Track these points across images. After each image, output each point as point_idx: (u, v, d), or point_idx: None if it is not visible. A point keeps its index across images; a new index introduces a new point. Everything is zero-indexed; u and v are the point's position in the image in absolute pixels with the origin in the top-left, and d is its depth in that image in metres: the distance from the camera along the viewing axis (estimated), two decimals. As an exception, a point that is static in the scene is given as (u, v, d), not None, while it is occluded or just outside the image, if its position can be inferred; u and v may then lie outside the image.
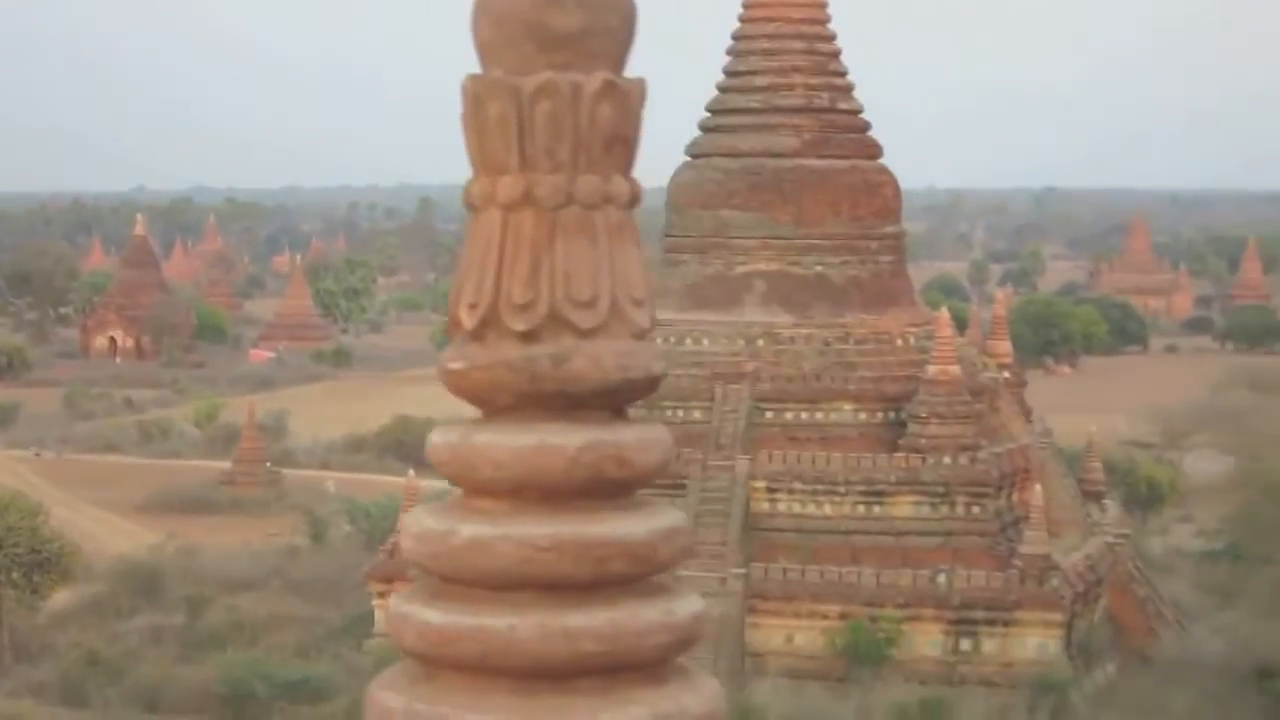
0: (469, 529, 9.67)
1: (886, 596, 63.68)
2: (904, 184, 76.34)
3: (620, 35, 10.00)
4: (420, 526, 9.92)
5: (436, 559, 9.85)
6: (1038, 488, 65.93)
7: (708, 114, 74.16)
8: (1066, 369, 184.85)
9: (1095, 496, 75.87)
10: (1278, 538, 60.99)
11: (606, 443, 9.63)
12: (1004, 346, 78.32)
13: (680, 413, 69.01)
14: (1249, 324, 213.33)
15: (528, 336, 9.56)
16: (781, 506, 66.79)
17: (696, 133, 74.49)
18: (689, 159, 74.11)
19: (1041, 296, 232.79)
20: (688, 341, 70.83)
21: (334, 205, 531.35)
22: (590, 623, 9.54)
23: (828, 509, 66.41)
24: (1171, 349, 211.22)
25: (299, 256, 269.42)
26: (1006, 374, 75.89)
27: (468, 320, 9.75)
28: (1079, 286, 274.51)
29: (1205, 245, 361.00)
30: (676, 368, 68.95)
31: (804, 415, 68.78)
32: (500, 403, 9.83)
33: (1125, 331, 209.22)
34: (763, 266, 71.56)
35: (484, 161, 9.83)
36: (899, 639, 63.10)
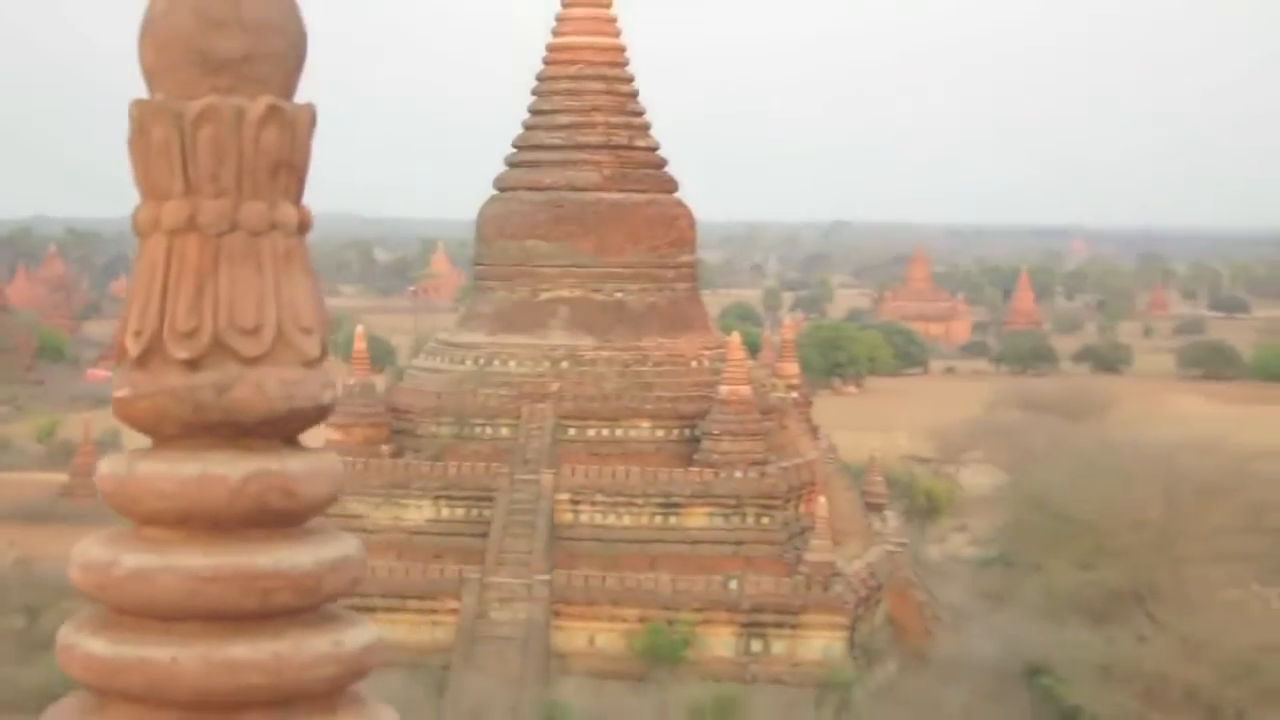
0: (132, 559, 9.17)
1: (682, 601, 63.47)
2: (703, 216, 76.40)
3: (287, 60, 9.45)
4: (85, 556, 9.41)
5: (102, 589, 9.34)
6: (822, 500, 66.10)
7: (514, 149, 73.98)
8: (853, 389, 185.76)
9: (877, 508, 76.23)
10: (1043, 546, 61.18)
11: (272, 472, 9.23)
12: (792, 368, 78.43)
13: (489, 430, 69.01)
14: (1021, 348, 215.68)
15: (191, 364, 9.11)
16: (584, 517, 66.41)
17: (503, 167, 73.73)
18: (496, 192, 73.87)
19: (830, 322, 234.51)
20: (495, 363, 70.30)
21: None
22: (255, 654, 9.10)
23: (627, 520, 66.17)
24: (950, 371, 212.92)
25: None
26: (794, 394, 76.06)
27: (133, 347, 9.23)
28: (864, 313, 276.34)
29: (981, 275, 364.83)
30: (485, 387, 69.44)
31: (605, 432, 68.56)
32: (167, 431, 9.34)
33: (907, 355, 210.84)
34: (566, 293, 71.34)
35: (149, 187, 9.31)
36: (694, 640, 62.91)
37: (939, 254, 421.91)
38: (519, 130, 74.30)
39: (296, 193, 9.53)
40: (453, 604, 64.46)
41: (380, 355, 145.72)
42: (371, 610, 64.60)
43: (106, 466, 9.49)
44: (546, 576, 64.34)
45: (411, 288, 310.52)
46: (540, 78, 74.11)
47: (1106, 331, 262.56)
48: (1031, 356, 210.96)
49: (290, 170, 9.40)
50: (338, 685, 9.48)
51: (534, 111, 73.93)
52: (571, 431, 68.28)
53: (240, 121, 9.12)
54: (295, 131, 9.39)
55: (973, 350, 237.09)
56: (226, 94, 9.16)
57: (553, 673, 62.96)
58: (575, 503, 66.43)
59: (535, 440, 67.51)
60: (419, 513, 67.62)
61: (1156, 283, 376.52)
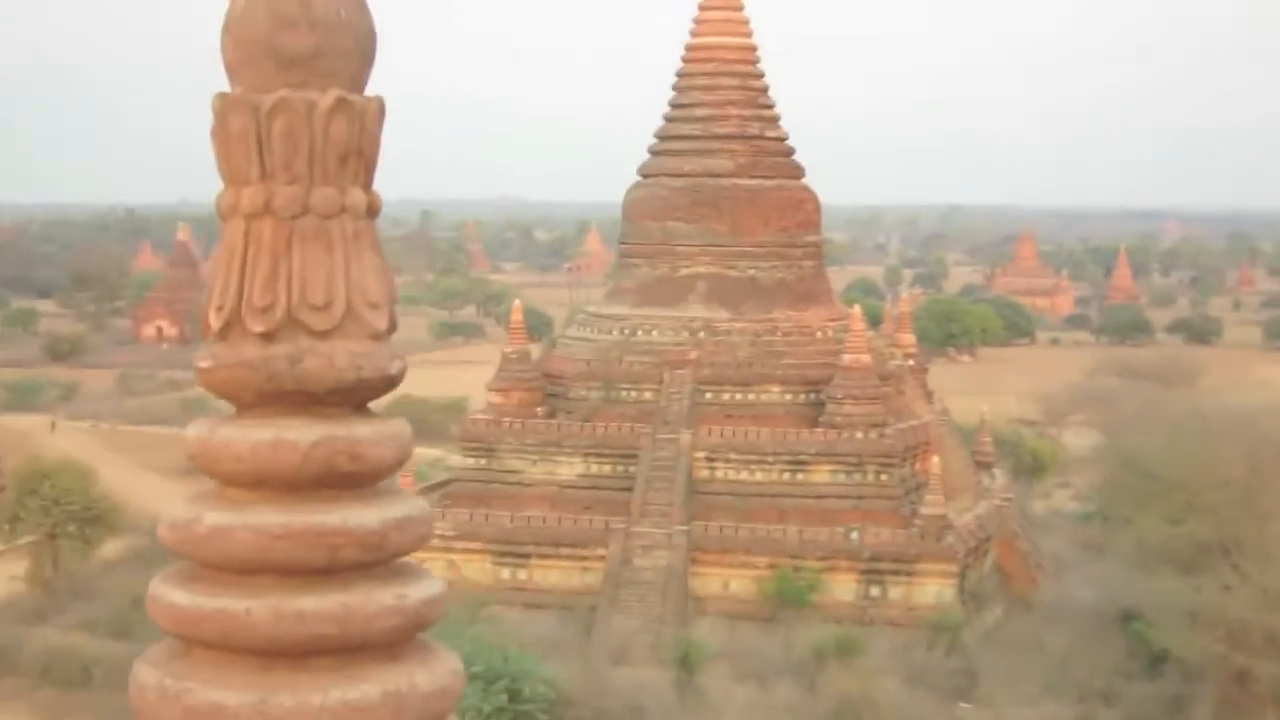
0: (212, 517, 9.17)
1: (808, 550, 63.39)
2: (830, 199, 76.04)
3: (354, 56, 9.36)
4: (172, 514, 9.39)
5: (184, 544, 9.30)
6: (936, 458, 65.83)
7: (656, 140, 73.97)
8: (966, 358, 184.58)
9: (986, 466, 75.91)
10: (1137, 502, 60.44)
11: (340, 438, 9.16)
12: (909, 339, 78.09)
13: (634, 393, 69.11)
14: (1120, 321, 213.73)
15: (266, 337, 9.04)
16: (719, 474, 66.39)
17: (646, 156, 73.59)
18: (640, 178, 73.83)
19: (945, 296, 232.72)
20: (639, 333, 70.38)
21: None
22: (323, 606, 9.05)
23: (758, 475, 66.18)
24: (1055, 342, 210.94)
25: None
26: (911, 362, 75.78)
27: (215, 322, 9.22)
28: (977, 288, 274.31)
29: (1083, 254, 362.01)
30: (630, 355, 69.79)
31: (738, 396, 68.55)
32: (244, 399, 9.30)
33: (1016, 326, 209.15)
34: (703, 270, 71.30)
35: (229, 173, 9.25)
36: (818, 586, 62.87)
37: (1045, 234, 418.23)
38: (661, 122, 74.06)
39: (366, 179, 9.46)
40: (600, 551, 64.47)
41: (538, 326, 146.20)
42: (527, 557, 65.18)
43: (193, 429, 9.48)
44: (685, 527, 64.33)
45: (567, 265, 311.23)
46: (680, 74, 74.08)
47: (1198, 305, 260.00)
48: (1129, 328, 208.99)
49: (359, 158, 9.33)
50: (402, 635, 9.39)
51: (674, 105, 73.91)
52: (708, 395, 68.27)
53: (311, 113, 9.07)
54: (364, 122, 9.31)
55: (1075, 322, 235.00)
56: (299, 88, 9.10)
57: (690, 614, 62.90)
58: (711, 460, 66.34)
59: (675, 403, 67.45)
60: (570, 468, 67.67)
61: (1244, 260, 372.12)
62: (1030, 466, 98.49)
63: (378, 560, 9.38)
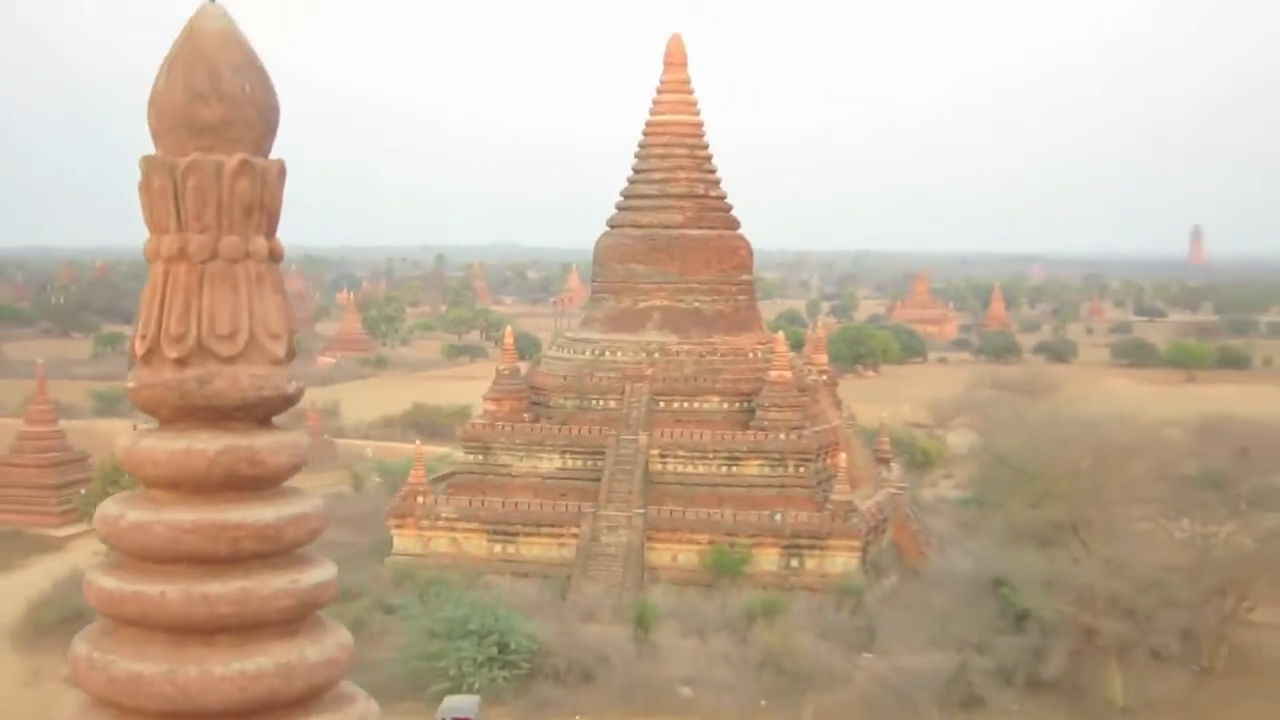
0: (134, 514, 9.43)
1: (740, 529, 63.28)
2: (765, 245, 76.23)
3: (258, 125, 9.52)
4: (103, 511, 9.62)
5: (111, 537, 9.57)
6: (843, 455, 65.87)
7: (621, 198, 73.81)
8: (871, 374, 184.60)
9: (884, 461, 75.99)
10: (1005, 490, 60.46)
11: (242, 447, 9.43)
12: (822, 359, 78.14)
13: (602, 402, 69.02)
14: (995, 344, 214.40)
15: (180, 362, 9.34)
16: (670, 467, 66.22)
17: (614, 210, 73.53)
18: (609, 228, 73.64)
19: (855, 325, 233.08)
20: (606, 354, 70.32)
21: (378, 259, 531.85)
22: (225, 589, 9.32)
23: (701, 469, 66.09)
24: (943, 361, 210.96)
25: (353, 294, 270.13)
26: (824, 377, 75.68)
27: (139, 349, 9.47)
28: (881, 317, 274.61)
29: (967, 290, 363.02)
30: (599, 371, 69.73)
31: (685, 405, 68.39)
32: (164, 414, 9.54)
33: (911, 349, 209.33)
34: (658, 303, 71.30)
35: (152, 224, 9.47)
36: (749, 559, 62.72)
37: (936, 274, 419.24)
38: (625, 183, 74.00)
39: (268, 229, 9.62)
40: (574, 530, 64.31)
41: (528, 348, 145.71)
42: (515, 535, 64.96)
43: (121, 441, 9.76)
44: (642, 510, 64.25)
45: (553, 299, 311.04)
46: (641, 144, 73.99)
47: (1058, 331, 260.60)
48: (1002, 350, 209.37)
49: (262, 211, 9.50)
50: (296, 614, 9.65)
51: (635, 169, 73.84)
52: (661, 404, 68.07)
53: (219, 173, 9.28)
54: (266, 181, 9.47)
55: (959, 345, 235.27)
56: (209, 151, 9.30)
57: (646, 582, 62.82)
58: (663, 456, 66.22)
59: (635, 410, 67.32)
60: (550, 463, 67.47)
61: (1096, 295, 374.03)
62: (921, 461, 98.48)
63: (275, 550, 9.56)
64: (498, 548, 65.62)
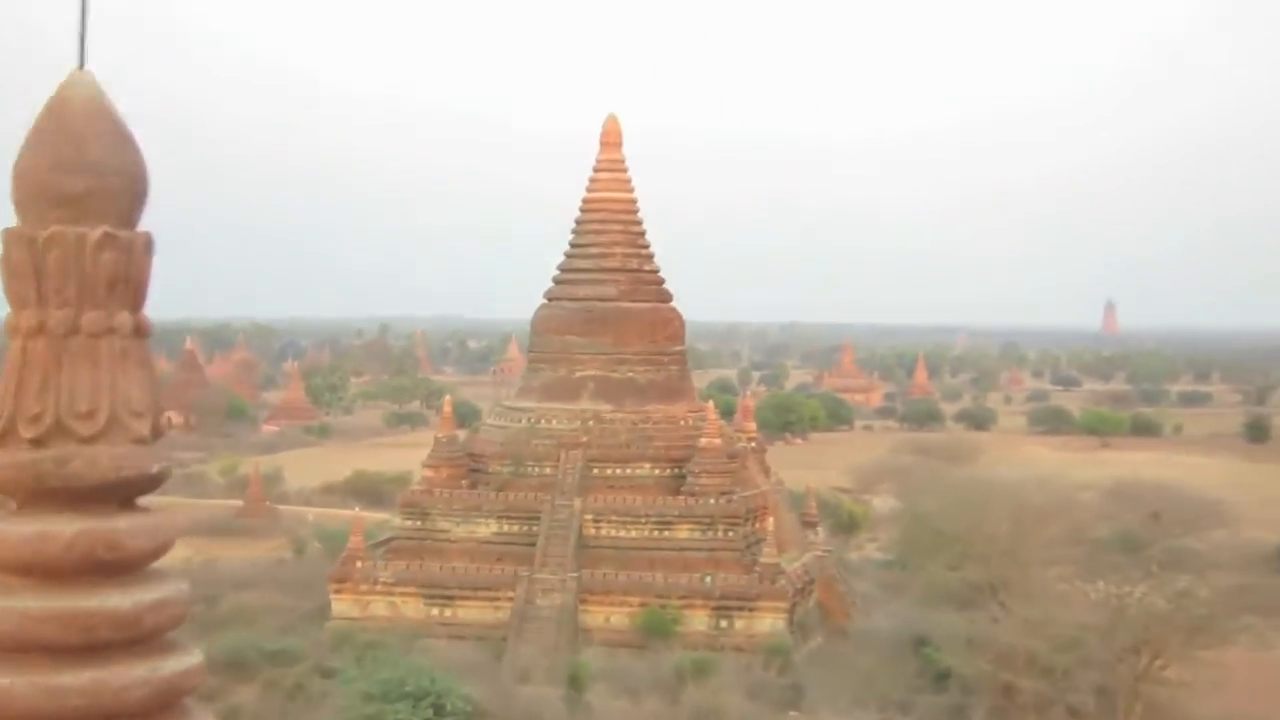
0: None
1: (671, 591, 62.93)
2: (698, 317, 76.30)
3: (125, 196, 8.95)
4: None
5: None
6: (771, 519, 65.83)
7: (558, 271, 73.73)
8: (799, 441, 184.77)
9: (811, 525, 75.62)
10: (926, 552, 60.59)
11: (100, 530, 8.76)
12: (751, 426, 77.87)
13: (537, 469, 68.53)
14: (918, 412, 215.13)
15: (36, 442, 8.70)
16: (604, 531, 65.80)
17: (551, 284, 73.48)
18: (545, 300, 73.59)
19: (784, 393, 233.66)
20: (543, 422, 69.99)
21: (324, 329, 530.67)
22: (76, 681, 8.61)
23: (633, 533, 65.70)
24: (868, 428, 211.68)
25: (298, 363, 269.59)
26: (753, 444, 75.38)
27: None
28: (809, 386, 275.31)
29: (892, 360, 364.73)
30: (535, 439, 69.34)
31: (619, 471, 68.08)
32: (20, 497, 8.87)
33: (838, 416, 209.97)
34: (593, 373, 71.08)
35: (12, 298, 8.92)
36: (680, 620, 62.30)
37: (862, 345, 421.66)
38: (561, 257, 74.00)
39: (134, 303, 9.05)
40: (510, 594, 63.83)
41: (468, 416, 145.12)
42: (451, 599, 64.47)
43: None
44: (576, 574, 63.79)
45: (493, 368, 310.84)
46: (577, 220, 73.96)
47: (978, 400, 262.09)
48: (925, 417, 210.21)
49: (126, 285, 8.95)
50: (155, 704, 8.91)
51: (572, 244, 73.78)
52: (595, 471, 67.70)
53: (81, 246, 8.74)
54: (131, 254, 8.94)
55: (884, 413, 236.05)
56: (72, 224, 8.76)
57: (579, 643, 62.23)
58: (597, 521, 65.82)
59: (570, 477, 66.96)
60: (487, 528, 67.06)
61: (1014, 365, 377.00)
62: (847, 525, 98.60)
63: (134, 638, 8.88)
64: (435, 611, 65.06)
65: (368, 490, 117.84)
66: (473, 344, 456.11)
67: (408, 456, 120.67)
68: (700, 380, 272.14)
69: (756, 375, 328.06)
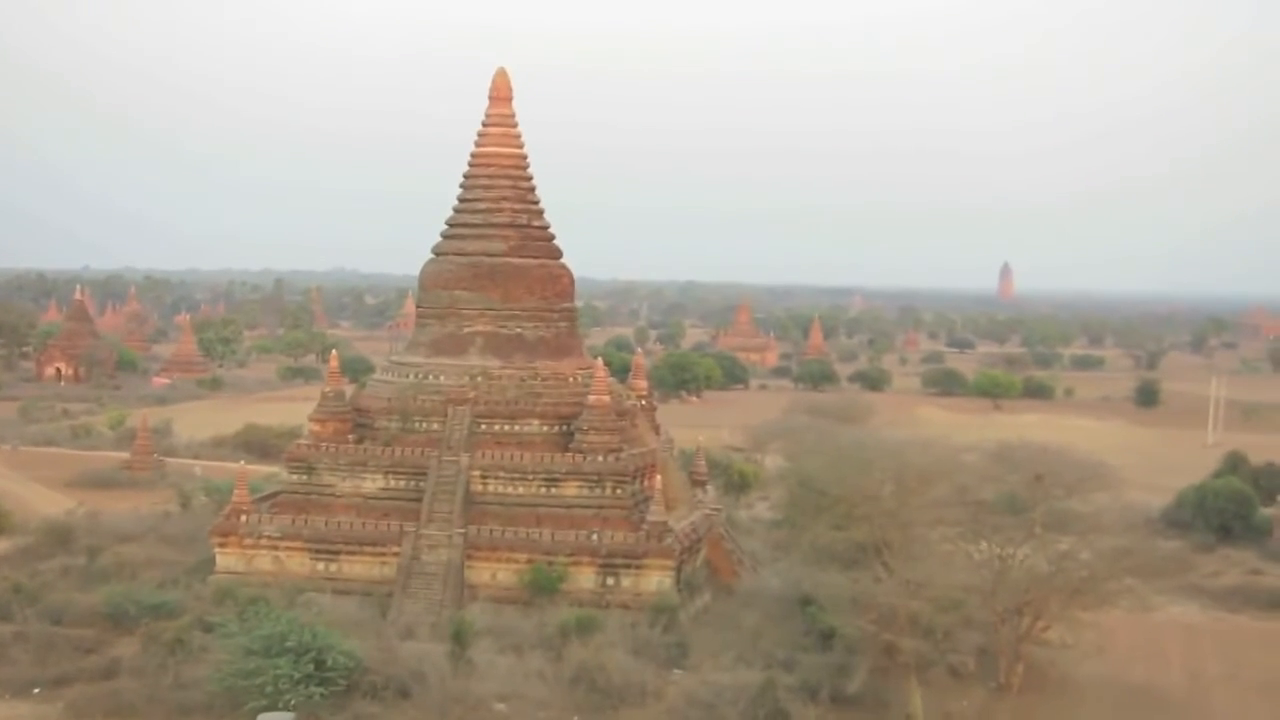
0: None
1: (558, 548, 62.80)
2: (597, 275, 77.14)
3: None
4: None
5: None
6: (659, 477, 65.68)
7: (446, 226, 73.08)
8: (695, 399, 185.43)
9: (700, 483, 75.81)
10: (811, 513, 60.58)
11: None
12: (642, 384, 77.54)
13: (425, 424, 68.28)
14: (813, 372, 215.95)
15: None
16: (490, 488, 65.56)
17: (439, 238, 72.78)
18: (433, 255, 72.94)
19: (681, 352, 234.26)
20: (430, 377, 69.58)
21: (219, 282, 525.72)
22: None
23: (521, 490, 65.53)
24: (764, 387, 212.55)
25: (191, 316, 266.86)
26: (643, 402, 75.16)
27: None
28: (705, 345, 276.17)
29: (788, 320, 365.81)
30: (423, 394, 69.27)
31: (506, 427, 67.64)
32: None
33: (734, 375, 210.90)
34: (481, 328, 70.73)
35: None
36: (566, 577, 62.23)
37: (759, 305, 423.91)
38: (450, 211, 73.27)
39: None
40: (395, 549, 63.50)
41: (364, 371, 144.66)
42: (337, 554, 64.07)
43: None
44: (463, 530, 63.53)
45: (389, 323, 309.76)
46: (466, 175, 73.22)
47: (874, 361, 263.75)
48: (820, 378, 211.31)
49: None
50: None
51: (461, 199, 73.07)
52: (483, 426, 67.30)
53: None
54: None
55: (780, 373, 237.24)
56: None
57: (465, 599, 62.02)
58: (484, 477, 65.51)
59: (457, 432, 66.56)
60: (373, 483, 66.57)
61: (910, 327, 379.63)
62: (738, 484, 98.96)
63: None
64: (320, 566, 64.57)
65: (258, 444, 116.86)
66: (370, 299, 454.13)
67: (300, 410, 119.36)
68: (599, 338, 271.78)
69: (654, 334, 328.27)
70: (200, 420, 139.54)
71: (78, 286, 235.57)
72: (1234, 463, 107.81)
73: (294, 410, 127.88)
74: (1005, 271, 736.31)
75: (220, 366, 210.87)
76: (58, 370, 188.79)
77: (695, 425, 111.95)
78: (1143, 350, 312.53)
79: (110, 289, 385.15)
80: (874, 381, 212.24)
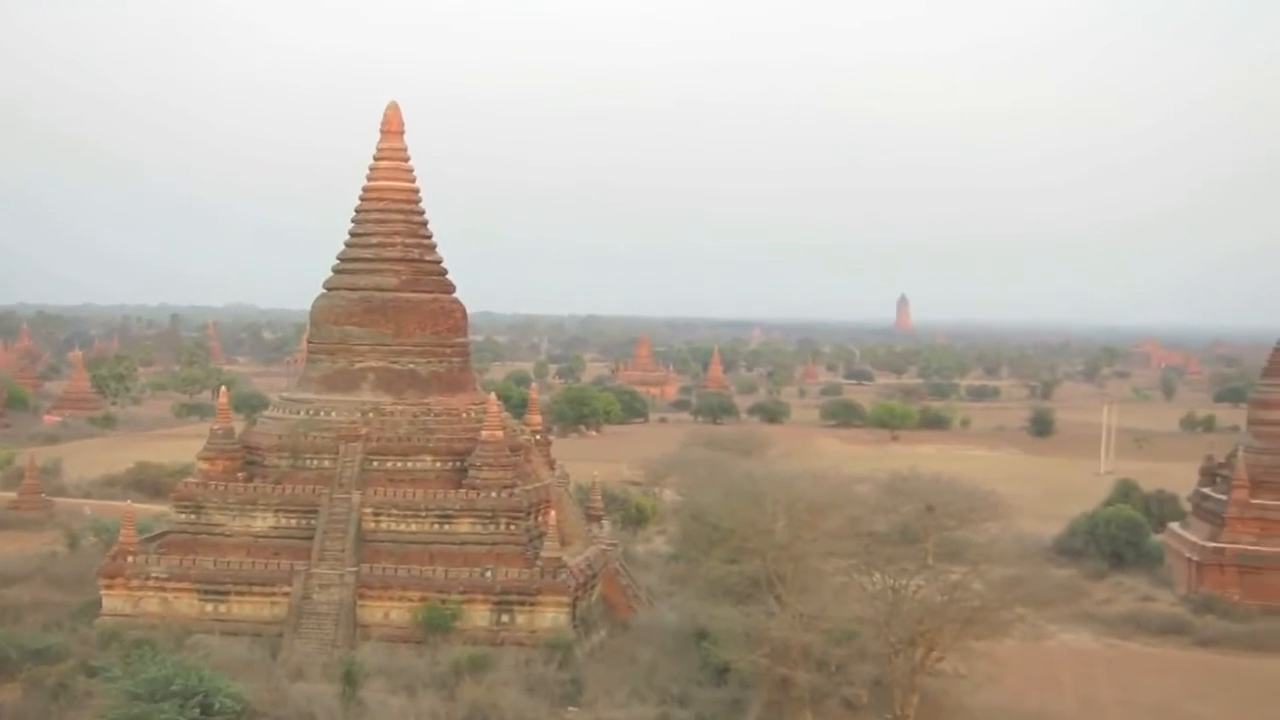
0: None
1: (452, 585, 62.10)
2: (497, 309, 76.59)
3: None
4: None
5: None
6: (553, 513, 65.02)
7: (338, 260, 72.24)
8: (594, 433, 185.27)
9: (596, 518, 75.39)
10: (704, 546, 60.40)
11: None
12: (536, 419, 76.95)
13: (316, 461, 67.21)
14: (713, 404, 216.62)
15: None
16: (383, 525, 64.65)
17: (329, 273, 71.97)
18: (324, 290, 72.09)
19: (580, 386, 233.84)
20: (321, 414, 68.64)
21: (114, 318, 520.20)
22: None
23: (414, 527, 64.63)
24: (663, 420, 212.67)
25: (84, 352, 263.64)
26: (537, 436, 74.56)
27: None
28: (605, 379, 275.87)
29: (688, 353, 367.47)
30: (314, 431, 68.25)
31: (399, 464, 66.80)
32: None
33: (633, 409, 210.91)
34: (373, 364, 69.97)
35: None
36: (460, 615, 61.54)
37: (659, 339, 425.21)
38: (341, 246, 72.49)
39: None
40: (286, 589, 62.51)
41: (261, 406, 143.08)
42: (226, 594, 63.00)
43: None
44: (355, 568, 62.64)
45: (288, 358, 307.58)
46: (357, 209, 72.39)
47: (773, 393, 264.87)
48: (720, 410, 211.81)
49: None
50: None
51: (352, 233, 72.22)
52: (375, 463, 66.41)
53: None
54: None
55: (679, 406, 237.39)
56: None
57: (357, 639, 61.04)
58: (377, 515, 64.63)
59: (349, 470, 65.68)
60: (263, 522, 65.55)
61: (809, 359, 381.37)
62: (636, 518, 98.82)
63: None
64: (209, 607, 63.43)
65: (151, 483, 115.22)
66: (268, 334, 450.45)
67: (195, 448, 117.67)
68: (499, 372, 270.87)
69: (553, 368, 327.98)
70: (92, 459, 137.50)
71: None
72: (1125, 490, 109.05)
73: (189, 447, 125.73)
74: (902, 303, 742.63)
75: (114, 404, 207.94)
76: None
77: (594, 459, 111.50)
78: (1037, 380, 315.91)
79: (2, 325, 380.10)
80: (773, 414, 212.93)
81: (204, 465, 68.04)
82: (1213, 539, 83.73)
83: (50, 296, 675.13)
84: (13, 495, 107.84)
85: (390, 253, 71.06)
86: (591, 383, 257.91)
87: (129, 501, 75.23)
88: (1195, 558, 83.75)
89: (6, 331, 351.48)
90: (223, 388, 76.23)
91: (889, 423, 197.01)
